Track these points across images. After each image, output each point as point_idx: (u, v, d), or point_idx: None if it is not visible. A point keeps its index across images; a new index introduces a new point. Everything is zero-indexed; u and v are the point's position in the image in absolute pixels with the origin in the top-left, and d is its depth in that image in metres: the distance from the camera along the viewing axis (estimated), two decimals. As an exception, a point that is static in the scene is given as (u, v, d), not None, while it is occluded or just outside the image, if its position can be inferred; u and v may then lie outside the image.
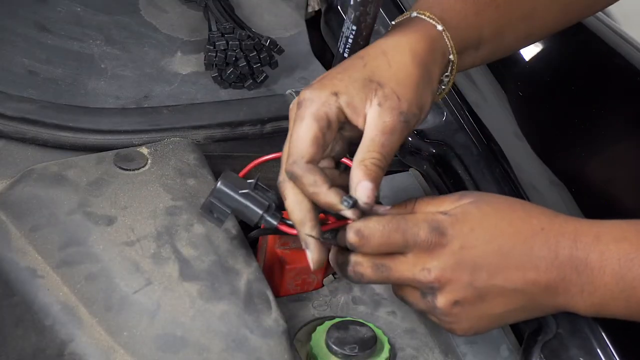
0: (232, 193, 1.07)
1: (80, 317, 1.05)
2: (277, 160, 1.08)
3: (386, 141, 1.03)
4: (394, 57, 1.06)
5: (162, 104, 1.32)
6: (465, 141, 1.31)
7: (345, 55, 1.12)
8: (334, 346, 1.10)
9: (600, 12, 1.37)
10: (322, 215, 1.06)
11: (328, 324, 1.13)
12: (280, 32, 1.48)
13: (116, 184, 1.17)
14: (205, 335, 1.05)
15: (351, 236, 1.02)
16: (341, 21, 1.23)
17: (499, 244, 1.01)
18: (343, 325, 1.12)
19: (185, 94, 1.36)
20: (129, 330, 1.04)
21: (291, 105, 1.07)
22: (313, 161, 1.02)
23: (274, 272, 1.19)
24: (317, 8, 1.55)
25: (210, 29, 1.42)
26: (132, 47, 1.42)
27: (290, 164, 1.02)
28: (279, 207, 1.08)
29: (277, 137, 1.30)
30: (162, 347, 1.03)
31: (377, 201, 1.06)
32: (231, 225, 1.14)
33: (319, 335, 1.12)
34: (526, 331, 1.12)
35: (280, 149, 1.08)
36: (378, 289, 1.21)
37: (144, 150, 1.23)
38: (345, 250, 1.05)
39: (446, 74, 1.11)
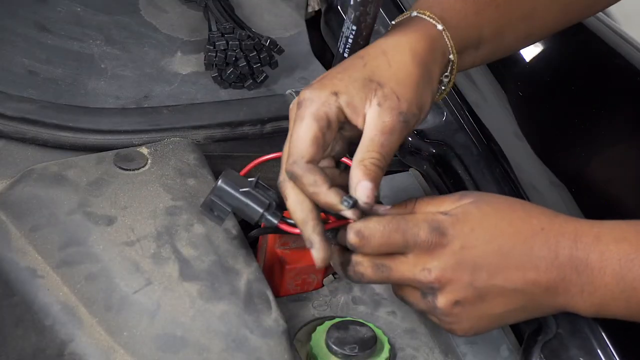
0: (232, 191, 1.07)
1: (80, 317, 1.05)
2: (278, 160, 1.08)
3: (385, 141, 1.03)
4: (394, 56, 1.06)
5: (162, 104, 1.32)
6: (465, 141, 1.31)
7: (345, 55, 1.12)
8: (334, 346, 1.10)
9: (600, 12, 1.37)
10: (322, 215, 1.06)
11: (328, 324, 1.13)
12: (280, 32, 1.48)
13: (116, 184, 1.17)
14: (205, 335, 1.05)
15: (351, 237, 1.02)
16: (341, 21, 1.22)
17: (499, 243, 1.01)
18: (343, 325, 1.12)
19: (185, 94, 1.36)
20: (129, 330, 1.04)
21: (291, 106, 1.07)
22: (313, 161, 1.02)
23: (274, 272, 1.19)
24: (317, 8, 1.55)
25: (210, 29, 1.42)
26: (132, 47, 1.42)
27: (290, 163, 1.02)
28: (280, 206, 1.08)
29: (277, 137, 1.30)
30: (162, 347, 1.03)
31: (377, 201, 1.06)
32: (231, 225, 1.14)
33: (319, 335, 1.12)
34: (526, 331, 1.12)
35: (280, 149, 1.08)
36: (378, 289, 1.21)
37: (144, 150, 1.23)
38: (346, 250, 1.05)
39: (446, 74, 1.11)
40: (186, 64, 1.41)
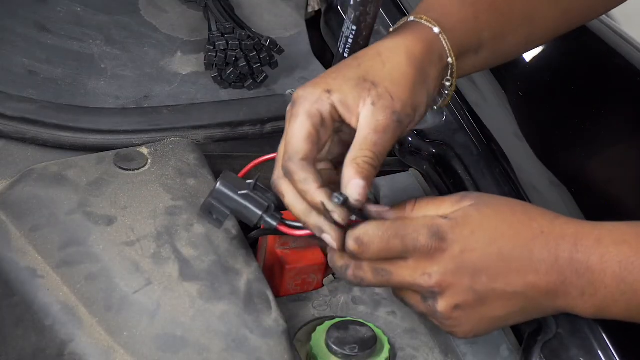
0: (231, 194, 1.07)
1: (80, 317, 1.05)
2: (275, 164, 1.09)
3: (379, 140, 1.03)
4: (389, 57, 1.06)
5: (162, 104, 1.32)
6: (465, 141, 1.31)
7: (345, 55, 1.12)
8: (334, 346, 1.10)
9: (599, 13, 1.37)
10: None
11: (328, 324, 1.13)
12: (280, 32, 1.48)
13: (116, 184, 1.17)
14: (205, 335, 1.05)
15: (350, 243, 1.02)
16: (341, 21, 1.22)
17: (499, 247, 1.01)
18: (343, 325, 1.12)
19: (185, 94, 1.36)
20: (129, 330, 1.04)
21: (288, 106, 1.07)
22: (307, 158, 1.03)
23: (274, 272, 1.19)
24: (317, 8, 1.55)
25: (210, 29, 1.42)
26: (132, 47, 1.42)
27: (285, 160, 1.03)
28: (279, 208, 1.08)
29: (277, 137, 1.28)
30: (162, 347, 1.03)
31: (377, 202, 1.06)
32: (231, 225, 1.14)
33: (319, 335, 1.12)
34: (526, 331, 1.12)
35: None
36: (378, 289, 1.21)
37: (144, 150, 1.23)
38: (345, 253, 1.05)
39: (447, 77, 1.11)
40: (186, 64, 1.41)
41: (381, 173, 1.34)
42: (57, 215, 1.13)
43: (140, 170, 1.20)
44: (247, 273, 1.11)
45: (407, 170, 1.35)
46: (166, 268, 1.10)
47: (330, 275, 1.22)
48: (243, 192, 1.07)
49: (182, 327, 1.05)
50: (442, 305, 1.02)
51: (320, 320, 1.16)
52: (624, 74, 1.38)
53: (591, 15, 1.29)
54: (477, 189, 1.25)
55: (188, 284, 1.08)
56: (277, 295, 1.16)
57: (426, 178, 1.33)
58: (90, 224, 1.13)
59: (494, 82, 1.36)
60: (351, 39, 1.11)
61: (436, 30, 1.09)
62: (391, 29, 1.13)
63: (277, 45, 1.38)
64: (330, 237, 1.02)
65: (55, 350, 1.05)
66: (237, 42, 1.37)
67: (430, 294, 1.02)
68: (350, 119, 1.04)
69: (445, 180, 1.29)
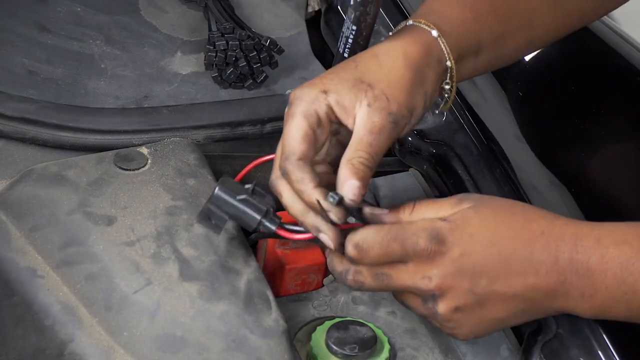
0: (229, 199, 1.07)
1: (80, 317, 1.05)
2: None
3: (374, 141, 1.03)
4: (386, 60, 1.07)
5: (162, 104, 1.32)
6: (465, 141, 1.31)
7: (345, 55, 1.12)
8: (334, 346, 1.10)
9: (599, 14, 1.37)
10: None
11: (328, 324, 1.13)
12: (280, 32, 1.48)
13: (116, 184, 1.17)
14: (205, 335, 1.05)
15: (350, 250, 1.02)
16: (341, 21, 1.23)
17: (499, 249, 1.01)
18: (343, 325, 1.12)
19: (185, 94, 1.36)
20: (129, 330, 1.04)
21: (286, 107, 1.07)
22: (304, 158, 1.03)
23: (274, 272, 1.19)
24: (317, 8, 1.55)
25: (210, 29, 1.42)
26: (132, 47, 1.42)
27: (282, 160, 1.03)
28: (279, 209, 1.08)
29: (277, 137, 1.28)
30: (162, 347, 1.03)
31: (376, 202, 1.06)
32: (231, 225, 1.14)
33: (319, 335, 1.12)
34: (526, 331, 1.12)
35: (280, 149, 1.08)
36: (378, 289, 1.21)
37: (144, 150, 1.23)
38: (344, 257, 1.05)
39: (446, 81, 1.11)
40: (186, 64, 1.41)
41: (381, 173, 1.34)
42: (57, 215, 1.13)
43: (140, 170, 1.20)
44: (247, 273, 1.11)
45: (407, 170, 1.35)
46: (166, 268, 1.09)
47: (330, 275, 1.22)
48: (241, 197, 1.07)
49: (182, 327, 1.05)
50: (442, 307, 1.02)
51: (320, 320, 1.15)
52: (624, 74, 1.38)
53: (592, 17, 1.29)
54: (477, 189, 1.25)
55: (188, 284, 1.08)
56: (277, 295, 1.16)
57: (426, 178, 1.33)
58: (90, 224, 1.13)
59: (494, 82, 1.36)
60: (351, 39, 1.11)
61: (434, 33, 1.09)
62: (390, 33, 1.13)
63: (277, 45, 1.38)
64: (327, 237, 1.03)
65: (55, 350, 1.05)
66: (237, 42, 1.37)
67: (431, 296, 1.02)
68: (346, 120, 1.05)
69: (445, 180, 1.29)
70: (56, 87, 1.33)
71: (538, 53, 1.37)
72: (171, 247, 1.11)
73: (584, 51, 1.40)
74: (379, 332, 1.13)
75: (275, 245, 1.19)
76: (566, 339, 1.08)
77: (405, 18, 1.44)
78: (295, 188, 1.03)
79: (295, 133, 1.03)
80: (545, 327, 1.09)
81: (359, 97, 1.04)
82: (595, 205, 1.20)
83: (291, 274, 1.19)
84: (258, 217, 1.06)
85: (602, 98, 1.35)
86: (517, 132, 1.32)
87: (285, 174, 1.03)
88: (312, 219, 1.03)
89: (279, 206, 1.07)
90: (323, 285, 1.21)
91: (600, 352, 1.07)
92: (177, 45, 1.44)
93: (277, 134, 1.30)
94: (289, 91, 1.36)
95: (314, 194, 1.01)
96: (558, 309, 1.04)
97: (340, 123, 1.06)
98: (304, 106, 1.04)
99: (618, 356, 1.06)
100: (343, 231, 1.04)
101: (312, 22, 1.54)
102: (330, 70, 1.09)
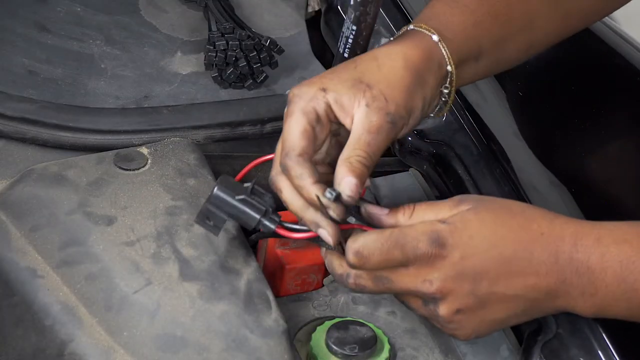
0: (228, 199, 1.07)
1: (80, 317, 1.05)
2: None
3: (372, 140, 1.03)
4: (386, 61, 1.07)
5: (162, 104, 1.32)
6: (465, 141, 1.31)
7: (346, 55, 1.12)
8: (334, 346, 1.10)
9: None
10: None
11: (328, 324, 1.13)
12: (280, 32, 1.48)
13: (116, 184, 1.17)
14: (205, 335, 1.05)
15: (350, 257, 1.02)
16: (341, 21, 1.23)
17: (499, 251, 1.01)
18: (343, 325, 1.12)
19: (185, 94, 1.36)
20: (129, 330, 1.04)
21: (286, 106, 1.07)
22: (304, 154, 1.03)
23: (274, 272, 1.19)
24: (317, 8, 1.55)
25: (210, 29, 1.42)
26: (132, 47, 1.42)
27: (282, 156, 1.03)
28: (278, 208, 1.08)
29: (277, 137, 1.28)
30: (162, 347, 1.03)
31: (376, 203, 1.06)
32: (231, 225, 1.14)
33: (319, 335, 1.12)
34: (526, 331, 1.12)
35: (280, 149, 1.08)
36: (378, 289, 1.21)
37: (144, 150, 1.23)
38: (344, 259, 1.05)
39: (445, 85, 1.11)
40: (186, 64, 1.41)
41: (381, 173, 1.34)
42: (57, 215, 1.13)
43: (140, 170, 1.20)
44: (247, 273, 1.11)
45: (407, 170, 1.35)
46: (166, 268, 1.09)
47: (330, 276, 1.22)
48: (240, 197, 1.06)
49: (182, 327, 1.05)
50: (443, 310, 1.02)
51: (320, 320, 1.15)
52: (624, 74, 1.38)
53: (592, 19, 1.29)
54: (477, 189, 1.25)
55: (188, 284, 1.08)
56: (277, 295, 1.16)
57: (426, 178, 1.33)
58: (90, 224, 1.13)
59: (494, 82, 1.36)
60: (351, 39, 1.11)
61: (435, 38, 1.09)
62: (392, 38, 1.14)
63: (277, 45, 1.38)
64: (326, 232, 1.03)
65: (55, 350, 1.05)
66: (237, 42, 1.37)
67: (432, 299, 1.02)
68: (344, 119, 1.05)
69: (445, 180, 1.29)
70: (56, 87, 1.33)
71: (538, 53, 1.37)
72: (171, 247, 1.11)
73: (584, 51, 1.40)
74: (379, 332, 1.13)
75: (275, 245, 1.19)
76: (566, 339, 1.08)
77: (405, 18, 1.44)
78: (294, 184, 1.03)
79: (294, 129, 1.04)
80: (545, 327, 1.09)
81: (358, 96, 1.04)
82: (595, 205, 1.20)
83: (291, 274, 1.19)
84: (257, 216, 1.06)
85: (602, 98, 1.35)
86: (517, 132, 1.32)
87: (285, 170, 1.03)
88: (311, 215, 1.03)
89: (279, 204, 1.07)
90: (323, 285, 1.21)
91: (600, 352, 1.07)
92: (177, 45, 1.44)
93: (277, 134, 1.29)
94: (288, 91, 1.36)
95: (313, 190, 1.02)
96: (558, 308, 1.04)
97: (339, 123, 1.06)
98: (303, 103, 1.04)
99: (618, 356, 1.06)
100: (343, 232, 1.04)
101: (312, 22, 1.54)
102: (329, 70, 1.09)
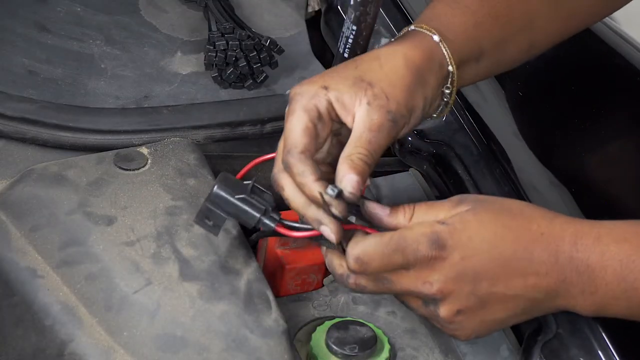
0: (228, 197, 1.06)
1: (80, 317, 1.05)
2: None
3: (373, 138, 1.03)
4: (387, 61, 1.07)
5: (162, 104, 1.32)
6: (465, 141, 1.31)
7: (346, 55, 1.12)
8: (334, 346, 1.10)
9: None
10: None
11: (328, 324, 1.13)
12: (280, 32, 1.48)
13: (116, 184, 1.17)
14: (205, 335, 1.05)
15: (352, 263, 1.02)
16: (341, 21, 1.23)
17: (499, 252, 1.01)
18: (343, 325, 1.12)
19: (185, 94, 1.36)
20: (129, 330, 1.04)
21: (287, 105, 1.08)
22: (306, 151, 1.03)
23: (274, 272, 1.19)
24: (317, 8, 1.55)
25: (210, 29, 1.42)
26: (132, 47, 1.42)
27: (284, 154, 1.03)
28: (277, 209, 1.08)
29: (277, 137, 1.28)
30: (162, 347, 1.03)
31: (377, 200, 1.06)
32: (231, 225, 1.14)
33: (319, 335, 1.12)
34: (526, 331, 1.12)
35: (280, 149, 1.08)
36: (378, 289, 1.21)
37: (144, 150, 1.23)
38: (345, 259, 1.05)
39: (447, 85, 1.11)
40: (186, 64, 1.41)
41: (381, 173, 1.34)
42: (57, 215, 1.13)
43: (140, 170, 1.20)
44: (247, 273, 1.11)
45: (407, 170, 1.35)
46: (166, 268, 1.09)
47: (331, 275, 1.22)
48: (240, 196, 1.06)
49: (182, 327, 1.05)
50: (443, 311, 1.02)
51: (320, 320, 1.15)
52: (624, 74, 1.38)
53: (593, 19, 1.29)
54: (477, 189, 1.25)
55: (188, 284, 1.08)
56: (277, 295, 1.16)
57: (426, 178, 1.33)
58: (90, 224, 1.13)
59: (494, 82, 1.36)
60: (351, 39, 1.11)
61: (436, 38, 1.10)
62: (393, 39, 1.14)
63: (277, 45, 1.38)
64: (328, 229, 1.02)
65: (55, 350, 1.05)
66: (237, 42, 1.37)
67: (432, 300, 1.02)
68: (345, 118, 1.05)
69: (445, 180, 1.29)
70: (56, 87, 1.33)
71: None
72: (171, 247, 1.11)
73: (584, 51, 1.40)
74: (379, 332, 1.13)
75: (275, 245, 1.19)
76: (566, 339, 1.08)
77: (405, 19, 1.44)
78: (296, 181, 1.03)
79: (296, 127, 1.04)
80: (545, 327, 1.09)
81: (359, 95, 1.04)
82: (595, 205, 1.20)
83: (291, 274, 1.19)
84: (257, 215, 1.06)
85: (602, 98, 1.35)
86: (517, 132, 1.32)
87: (287, 167, 1.03)
88: (313, 212, 1.03)
89: (280, 203, 1.07)
90: (323, 285, 1.21)
91: (600, 352, 1.07)
92: (177, 45, 1.44)
93: (277, 134, 1.30)
94: (289, 91, 1.36)
95: (315, 187, 1.02)
96: (559, 307, 1.04)
97: (340, 122, 1.06)
98: (305, 101, 1.05)
99: (618, 356, 1.06)
100: (344, 231, 1.04)
101: (312, 22, 1.54)
102: (330, 69, 1.09)
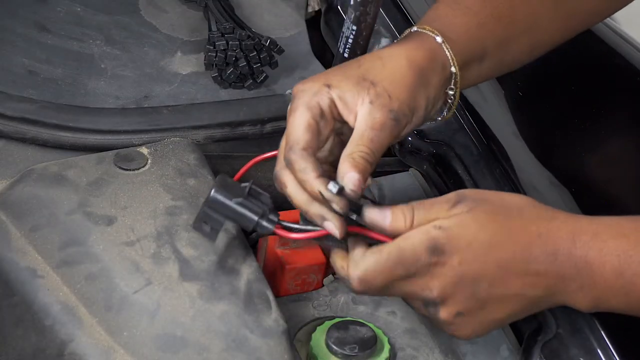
0: (226, 201, 1.06)
1: (80, 317, 1.05)
2: (276, 159, 1.09)
3: (375, 137, 1.03)
4: (389, 61, 1.07)
5: (162, 104, 1.32)
6: (465, 141, 1.31)
7: (345, 55, 1.12)
8: (334, 346, 1.10)
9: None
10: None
11: (328, 324, 1.13)
12: (280, 32, 1.48)
13: (116, 184, 1.17)
14: (205, 335, 1.05)
15: (356, 285, 1.02)
16: (341, 21, 1.23)
17: (498, 254, 1.01)
18: (343, 325, 1.12)
19: (185, 94, 1.36)
20: (129, 330, 1.04)
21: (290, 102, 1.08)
22: (308, 148, 1.03)
23: (274, 272, 1.19)
24: (317, 8, 1.55)
25: (210, 29, 1.42)
26: (132, 47, 1.42)
27: (287, 150, 1.03)
28: (276, 209, 1.07)
29: (277, 137, 1.28)
30: (162, 347, 1.03)
31: (377, 201, 1.06)
32: (231, 225, 1.14)
33: (319, 335, 1.12)
34: (526, 331, 1.12)
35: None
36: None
37: (144, 150, 1.23)
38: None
39: (450, 86, 1.11)
40: (186, 64, 1.41)
41: (381, 173, 1.34)
42: (57, 215, 1.13)
43: (140, 170, 1.20)
44: (247, 273, 1.11)
45: (407, 170, 1.35)
46: (166, 268, 1.09)
47: (330, 275, 1.22)
48: (238, 199, 1.06)
49: (182, 327, 1.05)
50: (444, 313, 1.02)
51: (320, 320, 1.16)
52: (624, 74, 1.38)
53: (595, 20, 1.29)
54: (477, 189, 1.25)
55: (188, 284, 1.08)
56: (277, 295, 1.16)
57: (426, 178, 1.33)
58: (90, 224, 1.13)
59: (494, 82, 1.36)
60: (351, 39, 1.11)
61: (439, 39, 1.10)
62: (395, 41, 1.14)
63: (277, 45, 1.38)
64: (332, 225, 1.02)
65: (55, 350, 1.05)
66: (237, 42, 1.37)
67: (432, 303, 1.02)
68: (348, 117, 1.05)
69: (445, 180, 1.29)
70: (56, 87, 1.33)
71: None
72: (171, 247, 1.11)
73: (584, 51, 1.40)
74: (379, 332, 1.13)
75: (275, 245, 1.19)
76: (566, 339, 1.08)
77: (405, 19, 1.44)
78: (298, 178, 1.03)
79: (299, 123, 1.04)
80: (545, 327, 1.09)
81: (361, 94, 1.04)
82: (595, 204, 1.20)
83: (291, 274, 1.19)
84: (255, 218, 1.06)
85: (602, 98, 1.35)
86: (517, 132, 1.32)
87: (289, 164, 1.03)
88: (316, 208, 1.03)
89: (281, 202, 1.07)
90: (323, 285, 1.21)
91: (600, 352, 1.07)
92: (177, 45, 1.44)
93: (277, 134, 1.30)
94: (289, 91, 1.36)
95: (316, 184, 1.02)
96: (557, 302, 1.04)
97: (342, 121, 1.06)
98: (307, 98, 1.05)
99: (618, 356, 1.06)
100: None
101: (312, 22, 1.54)
102: (333, 68, 1.10)
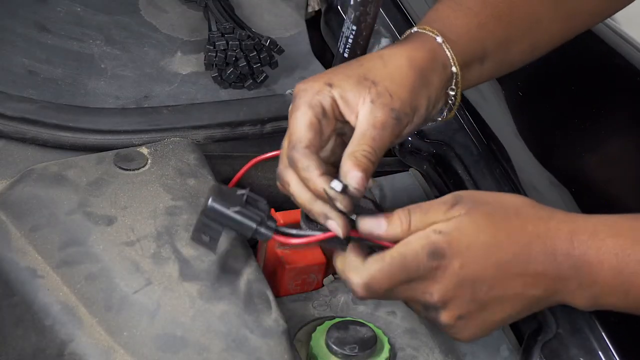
0: (223, 210, 1.05)
1: (80, 317, 1.05)
2: (276, 159, 1.08)
3: (377, 135, 1.03)
4: (390, 60, 1.07)
5: (162, 104, 1.32)
6: (465, 141, 1.31)
7: (345, 55, 1.12)
8: (334, 346, 1.10)
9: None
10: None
11: (328, 324, 1.13)
12: (280, 32, 1.48)
13: (116, 184, 1.17)
14: (205, 335, 1.05)
15: (360, 293, 1.02)
16: (341, 21, 1.23)
17: (497, 256, 1.01)
18: (343, 325, 1.12)
19: (185, 94, 1.36)
20: (129, 330, 1.04)
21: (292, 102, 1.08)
22: (310, 147, 1.03)
23: (274, 272, 1.19)
24: (317, 8, 1.55)
25: (210, 29, 1.42)
26: (132, 47, 1.42)
27: (289, 149, 1.03)
28: (278, 209, 1.07)
29: (277, 137, 1.29)
30: (162, 347, 1.03)
31: (378, 203, 1.06)
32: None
33: (319, 335, 1.12)
34: (526, 331, 1.12)
35: (280, 148, 1.08)
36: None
37: (144, 150, 1.23)
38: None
39: (452, 86, 1.11)
40: (186, 64, 1.41)
41: (381, 173, 1.34)
42: (57, 215, 1.13)
43: (140, 170, 1.20)
44: (247, 273, 1.11)
45: (407, 170, 1.35)
46: (166, 268, 1.09)
47: (330, 275, 1.22)
48: (235, 208, 1.05)
49: (182, 327, 1.05)
50: (444, 317, 1.02)
51: (320, 320, 1.15)
52: (624, 74, 1.38)
53: (596, 20, 1.29)
54: (477, 189, 1.25)
55: (188, 284, 1.08)
56: (277, 295, 1.16)
57: (426, 178, 1.33)
58: (90, 224, 1.13)
59: (494, 82, 1.36)
60: (351, 39, 1.11)
61: (439, 39, 1.10)
62: (396, 41, 1.14)
63: (277, 45, 1.38)
64: (335, 223, 1.02)
65: (55, 350, 1.05)
66: (237, 42, 1.37)
67: (433, 308, 1.02)
68: (349, 116, 1.05)
69: (445, 180, 1.29)
70: (56, 87, 1.33)
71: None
72: (171, 247, 1.11)
73: (584, 51, 1.40)
74: (379, 332, 1.13)
75: (275, 245, 1.19)
76: (566, 339, 1.08)
77: (405, 19, 1.45)
78: (301, 176, 1.03)
79: (301, 122, 1.04)
80: (545, 327, 1.09)
81: (363, 93, 1.05)
82: (595, 204, 1.20)
83: (291, 274, 1.19)
84: (253, 225, 1.05)
85: (602, 98, 1.35)
86: (517, 132, 1.32)
87: (291, 163, 1.03)
88: (320, 207, 1.03)
89: (283, 202, 1.07)
90: (323, 285, 1.21)
91: (600, 352, 1.07)
92: (177, 45, 1.44)
93: (277, 134, 1.30)
94: (289, 91, 1.36)
95: (320, 182, 1.02)
96: (557, 301, 1.04)
97: (343, 121, 1.06)
98: (309, 97, 1.05)
99: (618, 356, 1.06)
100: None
101: (312, 22, 1.54)
102: (334, 67, 1.10)
